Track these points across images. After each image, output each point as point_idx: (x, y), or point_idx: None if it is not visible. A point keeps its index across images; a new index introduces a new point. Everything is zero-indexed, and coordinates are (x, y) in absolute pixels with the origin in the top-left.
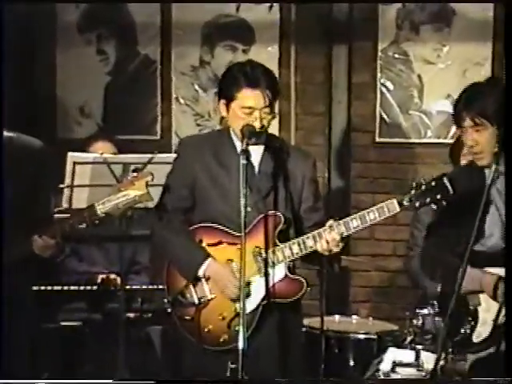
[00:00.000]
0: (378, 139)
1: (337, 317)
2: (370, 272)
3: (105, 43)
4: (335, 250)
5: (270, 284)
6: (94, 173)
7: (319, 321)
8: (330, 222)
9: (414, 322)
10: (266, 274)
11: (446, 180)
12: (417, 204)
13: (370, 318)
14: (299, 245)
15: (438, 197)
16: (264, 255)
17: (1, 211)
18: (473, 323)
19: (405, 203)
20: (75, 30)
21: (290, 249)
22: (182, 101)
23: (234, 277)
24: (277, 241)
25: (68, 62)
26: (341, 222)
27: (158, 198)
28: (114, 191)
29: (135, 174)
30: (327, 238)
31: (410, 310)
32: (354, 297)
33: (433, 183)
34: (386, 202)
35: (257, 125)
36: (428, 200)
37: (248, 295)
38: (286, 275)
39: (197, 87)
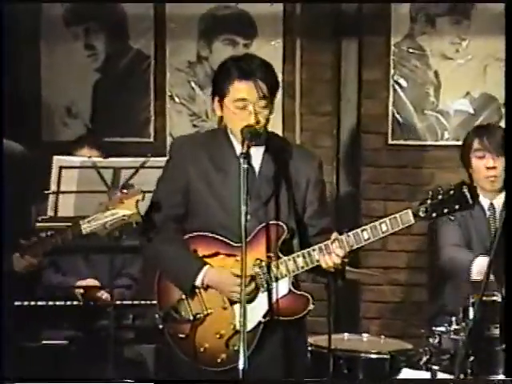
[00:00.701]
0: (390, 141)
1: (346, 335)
2: (381, 286)
3: (93, 37)
4: (337, 262)
5: (273, 300)
6: (81, 178)
7: (326, 339)
8: (336, 234)
9: (430, 340)
10: (269, 289)
11: (465, 189)
12: (433, 215)
13: (382, 336)
14: (304, 257)
15: (457, 207)
16: (265, 269)
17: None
18: None
19: (420, 214)
20: (61, 24)
21: (295, 262)
22: (177, 99)
23: (237, 277)
24: (279, 253)
25: (53, 58)
26: (350, 233)
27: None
28: (101, 209)
29: (125, 191)
30: (332, 252)
31: (425, 327)
32: (365, 313)
33: (451, 192)
34: (399, 212)
35: (252, 120)
36: (446, 210)
37: (250, 301)
38: (289, 290)
39: (193, 85)
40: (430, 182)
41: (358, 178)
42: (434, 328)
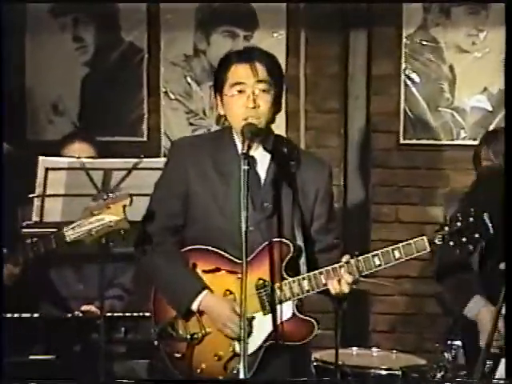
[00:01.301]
0: (402, 141)
1: (354, 349)
2: (393, 296)
3: (82, 29)
4: (345, 291)
5: (276, 323)
6: (69, 180)
7: (333, 354)
8: (347, 257)
9: (446, 355)
10: (273, 312)
11: (486, 217)
12: (451, 243)
13: (394, 351)
14: (310, 281)
15: (477, 236)
16: (269, 290)
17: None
18: None
19: (436, 241)
20: (48, 14)
21: (300, 285)
22: (172, 96)
23: (235, 313)
24: (284, 273)
25: (39, 51)
26: (360, 258)
27: (143, 211)
28: (86, 214)
29: (112, 196)
30: (341, 278)
31: (440, 341)
32: (375, 326)
33: (470, 220)
34: (414, 239)
35: (250, 104)
36: (464, 240)
37: (249, 334)
38: (293, 314)
39: (190, 80)
40: (446, 185)
41: (368, 181)
42: (449, 342)
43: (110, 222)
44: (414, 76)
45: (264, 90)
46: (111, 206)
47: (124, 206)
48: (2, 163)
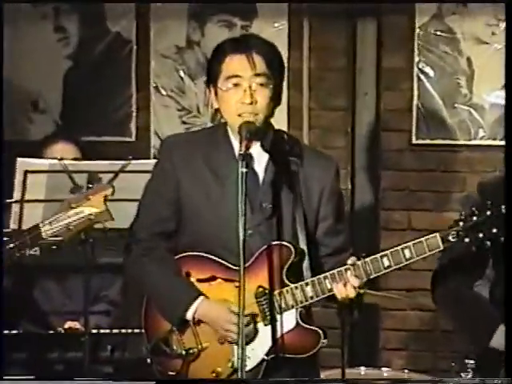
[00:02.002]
0: (415, 140)
1: (363, 369)
2: (405, 311)
3: (64, 18)
4: (351, 295)
5: (278, 334)
6: (51, 184)
7: (340, 373)
8: (353, 258)
9: (463, 375)
10: (273, 323)
11: (505, 209)
12: (466, 240)
13: (406, 371)
14: (314, 286)
15: (494, 231)
16: (269, 298)
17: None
18: None
19: (450, 239)
20: (27, 1)
21: (303, 291)
22: (163, 92)
23: (233, 314)
24: (285, 279)
25: (17, 43)
26: (368, 259)
27: (132, 217)
28: (64, 208)
29: (91, 186)
30: (346, 282)
31: (457, 360)
32: (386, 343)
33: (488, 213)
34: (426, 236)
35: (247, 100)
36: (480, 235)
37: (250, 341)
38: (297, 324)
39: (183, 74)
40: (462, 189)
41: (377, 185)
42: (466, 361)
43: (90, 214)
44: (427, 70)
45: (262, 84)
46: (91, 197)
47: (105, 197)
48: (1, 163)
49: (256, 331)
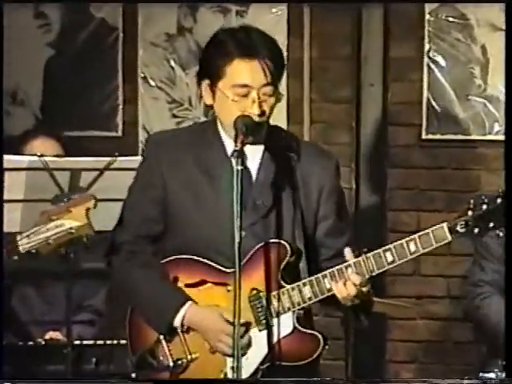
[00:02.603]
0: (425, 136)
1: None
2: (414, 320)
3: (46, 3)
4: (353, 293)
5: (274, 340)
6: (30, 183)
7: None
8: (349, 254)
9: None
10: (268, 328)
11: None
12: (475, 230)
13: None
14: (312, 286)
15: (506, 220)
16: (264, 301)
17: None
18: None
19: (458, 229)
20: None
21: (300, 292)
22: (152, 82)
23: (227, 323)
24: (281, 280)
25: None
26: (369, 255)
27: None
28: (43, 220)
29: (73, 197)
30: (346, 280)
31: (470, 373)
32: (393, 355)
33: (498, 200)
34: (432, 227)
35: (255, 111)
36: (491, 225)
37: (243, 354)
38: (294, 328)
39: (173, 64)
40: (476, 188)
41: (384, 183)
42: (481, 374)
43: (71, 228)
44: (439, 59)
45: (270, 94)
46: (72, 209)
47: (87, 210)
48: (1, 164)
49: (250, 343)
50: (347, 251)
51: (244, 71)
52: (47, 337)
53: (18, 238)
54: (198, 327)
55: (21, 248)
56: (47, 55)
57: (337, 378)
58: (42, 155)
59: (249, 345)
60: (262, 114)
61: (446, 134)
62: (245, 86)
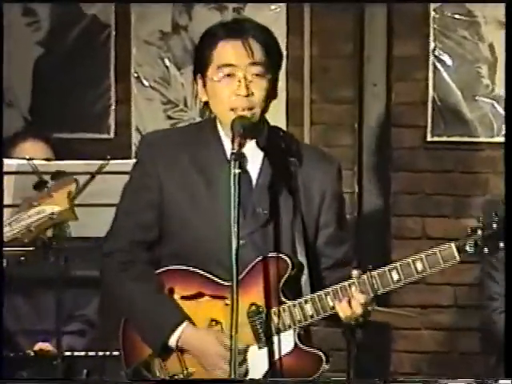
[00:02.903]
0: (430, 137)
1: None
2: (420, 331)
3: (25, 3)
4: (358, 312)
5: (273, 359)
6: (19, 187)
7: None
8: (355, 272)
9: None
10: (268, 345)
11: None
12: (485, 250)
13: None
14: (314, 303)
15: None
16: (263, 317)
17: None
18: None
19: (468, 249)
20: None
21: (302, 309)
22: (145, 82)
23: (223, 347)
24: (282, 296)
25: None
26: (375, 273)
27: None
28: (25, 207)
29: (53, 183)
30: (351, 298)
31: None
32: (397, 366)
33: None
34: (439, 246)
35: (242, 91)
36: (501, 245)
37: (244, 374)
38: (295, 346)
39: (168, 63)
40: (484, 192)
41: (387, 187)
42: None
43: (52, 213)
44: (444, 57)
45: (259, 74)
46: (54, 194)
47: (69, 193)
48: (1, 164)
49: (248, 372)
50: (354, 272)
51: (227, 50)
52: (36, 348)
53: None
54: (194, 350)
55: (4, 237)
56: (36, 54)
57: (337, 378)
58: (31, 158)
59: (246, 373)
60: (251, 94)
61: (452, 136)
62: (229, 65)
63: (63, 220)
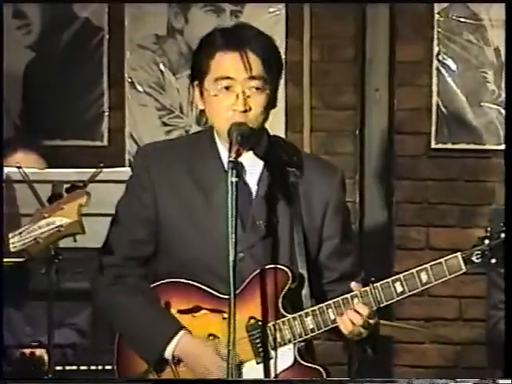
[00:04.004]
0: (434, 145)
1: None
2: (424, 345)
3: (25, 3)
4: (359, 324)
5: (273, 374)
6: (10, 196)
7: None
8: (355, 284)
9: None
10: (267, 360)
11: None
12: (493, 261)
13: None
14: (315, 317)
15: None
16: (262, 331)
17: None
18: None
19: (474, 259)
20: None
21: (302, 323)
22: (140, 88)
23: (221, 358)
24: (281, 309)
25: None
26: (378, 284)
27: (103, 234)
28: (37, 218)
29: (66, 195)
30: (353, 311)
31: None
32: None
33: None
34: (445, 257)
35: (239, 107)
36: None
37: None
38: (295, 361)
39: (163, 67)
40: (490, 201)
41: (390, 197)
42: None
43: (61, 226)
44: (449, 62)
45: (258, 88)
46: (64, 206)
47: (80, 206)
48: (1, 168)
49: None
50: (354, 285)
51: (225, 62)
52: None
53: (10, 235)
54: (190, 359)
55: (11, 246)
56: (27, 58)
57: (337, 378)
58: (20, 167)
59: None
60: (249, 110)
61: (457, 143)
62: (226, 78)
63: (70, 233)
